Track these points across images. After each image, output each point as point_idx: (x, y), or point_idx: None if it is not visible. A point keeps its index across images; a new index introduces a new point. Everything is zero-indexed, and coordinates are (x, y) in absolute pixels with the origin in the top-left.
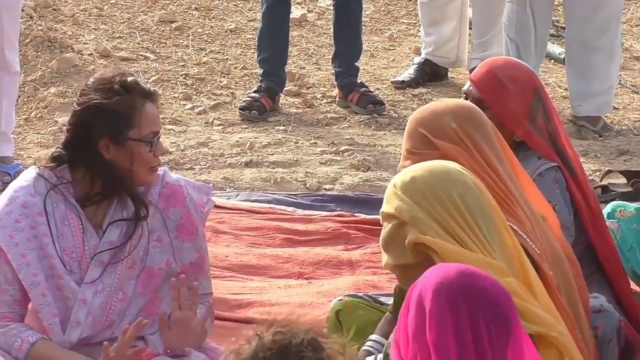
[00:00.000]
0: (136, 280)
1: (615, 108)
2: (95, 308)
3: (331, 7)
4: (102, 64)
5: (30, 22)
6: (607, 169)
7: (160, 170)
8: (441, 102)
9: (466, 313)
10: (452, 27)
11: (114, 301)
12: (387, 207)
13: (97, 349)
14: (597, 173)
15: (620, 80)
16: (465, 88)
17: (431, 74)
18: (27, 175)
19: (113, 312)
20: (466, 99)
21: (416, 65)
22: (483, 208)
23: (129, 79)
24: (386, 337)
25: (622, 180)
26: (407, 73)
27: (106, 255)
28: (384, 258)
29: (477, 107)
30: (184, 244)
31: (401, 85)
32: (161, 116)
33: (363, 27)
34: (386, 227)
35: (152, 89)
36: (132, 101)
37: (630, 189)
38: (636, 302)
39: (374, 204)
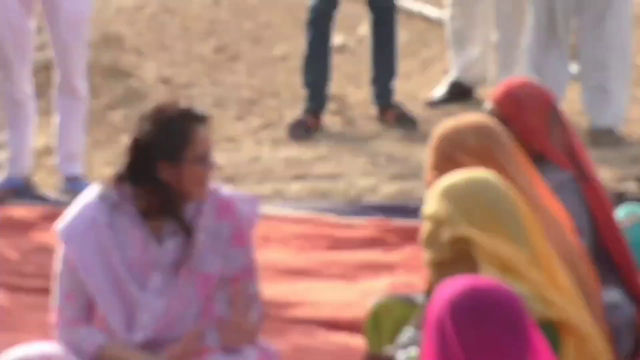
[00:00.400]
0: (193, 285)
1: (627, 120)
2: (157, 311)
3: (368, 35)
4: (163, 89)
5: (98, 52)
6: (620, 177)
7: (213, 185)
8: (461, 120)
9: (487, 328)
10: (478, 50)
11: (174, 304)
12: (428, 208)
13: (159, 348)
14: (612, 180)
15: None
16: (486, 106)
17: (460, 93)
18: (92, 192)
19: (173, 314)
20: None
21: (446, 86)
22: (513, 215)
23: (182, 105)
24: (419, 328)
25: (635, 186)
26: (438, 92)
27: (166, 263)
28: (424, 254)
29: (493, 123)
30: (236, 251)
31: (433, 104)
32: (216, 135)
33: (398, 52)
34: (426, 226)
35: (203, 112)
36: (185, 125)
37: None
38: None
39: (410, 211)
